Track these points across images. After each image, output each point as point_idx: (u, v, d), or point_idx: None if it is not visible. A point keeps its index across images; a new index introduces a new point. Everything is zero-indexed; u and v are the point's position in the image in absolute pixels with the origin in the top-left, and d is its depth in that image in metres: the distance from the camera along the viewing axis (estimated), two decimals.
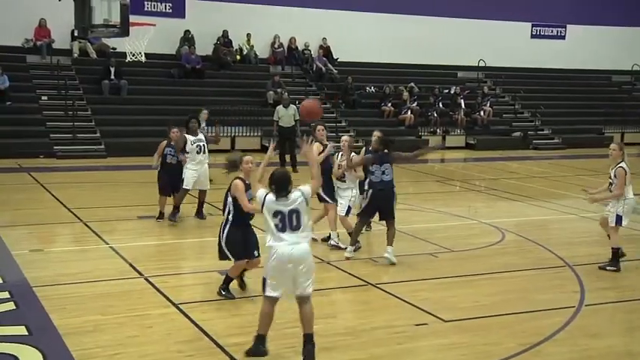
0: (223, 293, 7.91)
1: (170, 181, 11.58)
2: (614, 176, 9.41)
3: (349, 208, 10.36)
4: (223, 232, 7.86)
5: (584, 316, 7.70)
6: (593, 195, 10.00)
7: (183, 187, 11.57)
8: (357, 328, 7.13)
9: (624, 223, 9.49)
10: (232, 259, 7.85)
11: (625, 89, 32.00)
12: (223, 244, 7.85)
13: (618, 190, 9.37)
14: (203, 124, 14.29)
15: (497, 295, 8.63)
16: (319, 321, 7.25)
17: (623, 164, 9.41)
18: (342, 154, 10.31)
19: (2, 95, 20.88)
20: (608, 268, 9.50)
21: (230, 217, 7.81)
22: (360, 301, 8.05)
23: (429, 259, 9.97)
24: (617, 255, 9.56)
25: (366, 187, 9.80)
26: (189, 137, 11.67)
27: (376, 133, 9.99)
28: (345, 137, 10.73)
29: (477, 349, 6.73)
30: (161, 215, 11.70)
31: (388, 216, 9.68)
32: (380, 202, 9.62)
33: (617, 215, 9.43)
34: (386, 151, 9.73)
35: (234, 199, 7.67)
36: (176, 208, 11.62)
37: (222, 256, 7.94)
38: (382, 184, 9.55)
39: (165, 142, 11.65)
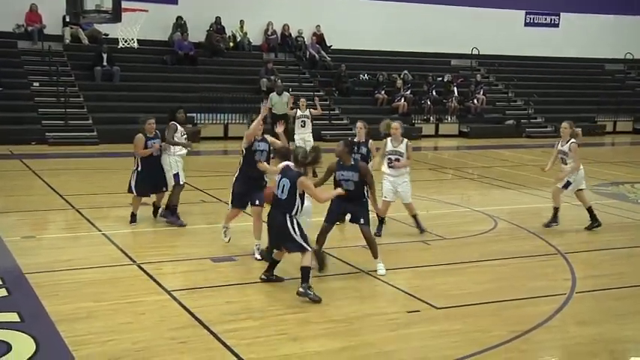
0: (310, 293, 7.45)
1: (150, 179, 10.43)
2: (569, 150, 10.86)
3: (568, 182, 10.74)
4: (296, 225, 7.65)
5: (575, 304, 7.75)
6: (558, 176, 11.06)
7: (180, 183, 10.51)
8: (350, 315, 7.16)
9: (570, 188, 11.00)
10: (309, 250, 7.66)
11: (618, 78, 32.07)
12: (302, 241, 7.65)
13: (577, 163, 10.83)
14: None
15: (489, 282, 8.67)
16: (313, 307, 7.31)
17: (574, 141, 10.86)
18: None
19: None
20: (551, 224, 11.02)
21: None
22: (353, 289, 8.07)
23: (421, 246, 10.01)
24: (557, 212, 11.06)
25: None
26: (179, 127, 10.65)
27: (360, 125, 10.40)
28: (359, 124, 10.70)
29: (468, 335, 6.77)
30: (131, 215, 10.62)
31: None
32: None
33: (567, 181, 10.92)
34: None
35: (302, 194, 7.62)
36: (175, 208, 10.57)
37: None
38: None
39: (141, 135, 10.49)
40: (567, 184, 10.97)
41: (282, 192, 7.61)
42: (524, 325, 6.99)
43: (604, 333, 7.01)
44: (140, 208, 10.70)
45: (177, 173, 10.50)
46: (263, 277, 8.00)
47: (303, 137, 15.57)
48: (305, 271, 7.47)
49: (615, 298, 8.07)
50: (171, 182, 10.50)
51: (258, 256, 8.78)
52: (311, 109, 16.16)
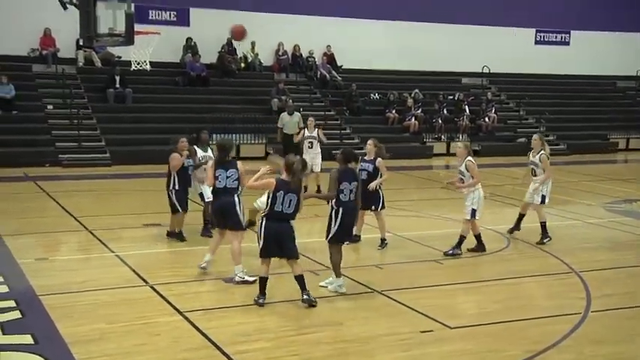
0: (313, 299, 7.89)
1: (185, 196, 10.94)
2: (539, 161, 11.24)
3: (474, 210, 10.30)
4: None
5: (590, 323, 7.68)
6: (534, 187, 11.32)
7: (205, 200, 10.94)
8: (363, 335, 7.13)
9: (547, 201, 11.33)
10: None
11: (630, 95, 31.98)
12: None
13: (547, 173, 11.19)
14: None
15: (503, 301, 8.62)
16: (326, 328, 7.29)
17: (543, 152, 11.23)
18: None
19: (8, 104, 21.01)
20: (544, 241, 11.14)
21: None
22: (366, 308, 8.04)
23: (434, 265, 9.97)
24: (545, 227, 11.33)
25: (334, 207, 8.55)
26: (199, 150, 11.14)
27: (371, 142, 10.49)
28: (370, 141, 10.73)
29: (482, 356, 6.72)
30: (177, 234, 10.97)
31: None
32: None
33: (542, 195, 11.24)
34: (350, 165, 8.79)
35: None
36: (206, 221, 11.14)
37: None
38: (351, 203, 8.55)
39: (177, 153, 10.73)
40: (543, 198, 11.34)
41: (289, 206, 7.83)
42: (539, 345, 6.94)
43: (619, 352, 6.95)
44: (152, 229, 10.73)
45: (202, 192, 11.05)
46: (261, 301, 7.96)
47: (311, 160, 14.67)
48: (302, 278, 7.93)
49: (629, 317, 8.00)
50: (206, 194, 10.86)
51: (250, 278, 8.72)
52: (319, 130, 15.70)
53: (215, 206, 9.18)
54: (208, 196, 10.45)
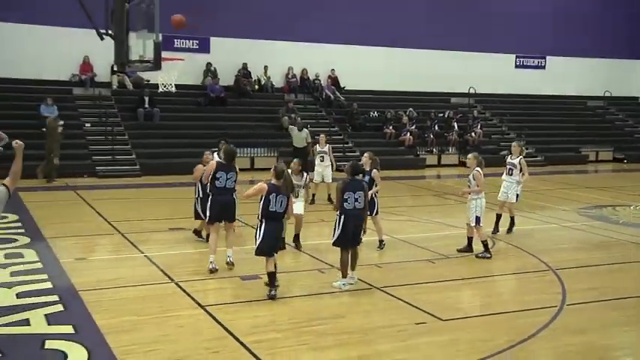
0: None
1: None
2: (519, 163, 11.96)
3: (477, 218, 10.23)
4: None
5: (566, 315, 7.64)
6: (508, 186, 11.97)
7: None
8: (364, 327, 7.10)
9: (519, 199, 12.23)
10: None
11: (599, 113, 31.94)
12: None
13: (526, 174, 12.02)
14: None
15: (489, 296, 8.59)
16: (331, 320, 7.26)
17: (522, 156, 12.10)
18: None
19: None
20: (512, 229, 11.98)
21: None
22: (367, 303, 8.01)
23: (427, 264, 9.93)
24: (513, 220, 12.13)
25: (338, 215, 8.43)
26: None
27: (367, 155, 10.24)
28: (366, 154, 10.61)
29: (470, 344, 6.68)
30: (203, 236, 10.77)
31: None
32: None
33: (517, 194, 12.01)
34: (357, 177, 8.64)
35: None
36: None
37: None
38: (356, 211, 8.40)
39: (200, 166, 10.45)
40: (517, 197, 12.04)
41: (281, 206, 8.02)
42: (521, 335, 6.89)
43: (593, 341, 6.90)
44: (177, 233, 10.69)
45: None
46: (273, 292, 7.93)
47: (322, 171, 15.00)
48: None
49: (602, 309, 7.95)
50: None
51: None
52: (330, 146, 15.43)
53: (216, 202, 9.30)
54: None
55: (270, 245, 8.00)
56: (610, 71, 32.32)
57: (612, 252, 11.06)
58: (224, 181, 9.27)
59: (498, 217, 12.03)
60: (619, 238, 12.07)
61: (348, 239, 8.46)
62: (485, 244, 10.29)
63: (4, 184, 5.88)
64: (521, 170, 12.00)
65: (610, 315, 7.76)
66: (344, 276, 8.47)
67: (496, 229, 11.94)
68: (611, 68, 32.40)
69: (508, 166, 12.10)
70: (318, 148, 15.47)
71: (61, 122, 18.98)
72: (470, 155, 10.82)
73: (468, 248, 10.46)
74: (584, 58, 31.64)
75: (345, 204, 8.37)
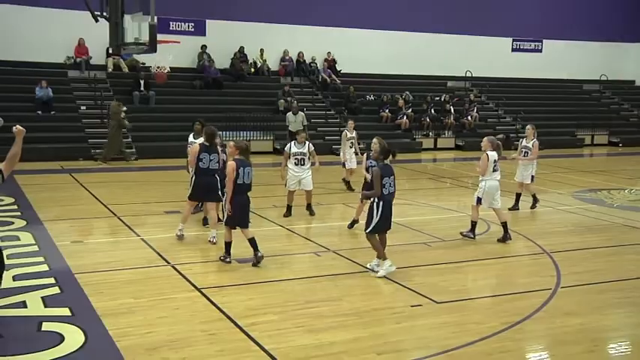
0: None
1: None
2: (532, 146, 12.67)
3: (479, 198, 10.33)
4: None
5: (560, 297, 7.67)
6: (524, 167, 12.83)
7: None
8: (360, 310, 7.12)
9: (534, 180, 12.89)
10: None
11: (595, 96, 31.90)
12: None
13: (533, 155, 12.65)
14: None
15: (484, 279, 8.61)
16: (328, 303, 7.28)
17: (536, 140, 12.70)
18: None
19: (47, 106, 20.98)
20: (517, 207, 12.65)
21: None
22: (363, 286, 8.03)
23: (423, 247, 9.95)
24: (536, 197, 13.01)
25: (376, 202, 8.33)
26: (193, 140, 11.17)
27: (376, 141, 9.45)
28: (375, 140, 9.92)
29: (465, 327, 6.71)
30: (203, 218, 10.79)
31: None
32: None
33: (532, 175, 12.82)
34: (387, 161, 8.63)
35: None
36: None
37: None
38: (390, 196, 8.39)
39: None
40: (532, 178, 12.84)
41: (248, 177, 8.50)
42: (516, 317, 6.93)
43: (586, 323, 6.94)
44: (173, 215, 10.66)
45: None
46: (228, 260, 8.60)
47: (351, 155, 14.46)
48: (254, 240, 8.58)
49: (596, 292, 7.99)
50: None
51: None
52: (356, 132, 14.82)
53: (200, 183, 9.61)
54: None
55: (241, 220, 8.50)
56: (606, 55, 32.27)
57: (607, 235, 11.09)
58: (207, 162, 9.53)
59: (518, 195, 12.84)
60: (613, 222, 12.10)
61: (386, 225, 8.37)
62: (473, 225, 10.34)
63: None
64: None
65: (604, 297, 7.79)
66: (384, 258, 8.28)
67: (515, 206, 12.75)
68: (607, 52, 32.34)
69: (523, 150, 12.83)
70: (347, 134, 14.68)
71: (124, 108, 19.05)
72: (485, 139, 10.89)
73: (472, 232, 10.40)
74: (580, 42, 31.56)
75: (382, 190, 8.24)
